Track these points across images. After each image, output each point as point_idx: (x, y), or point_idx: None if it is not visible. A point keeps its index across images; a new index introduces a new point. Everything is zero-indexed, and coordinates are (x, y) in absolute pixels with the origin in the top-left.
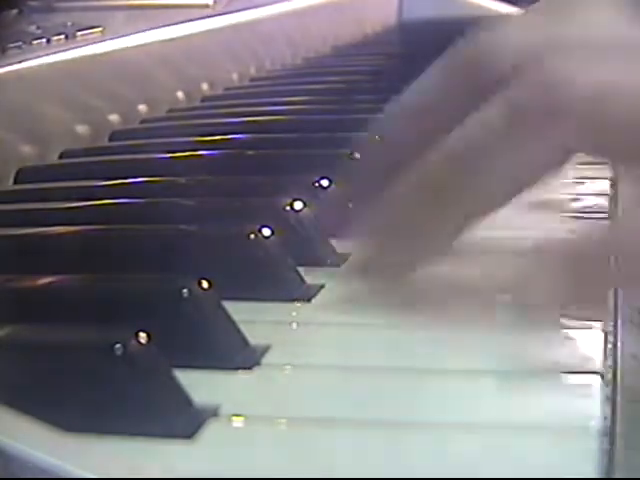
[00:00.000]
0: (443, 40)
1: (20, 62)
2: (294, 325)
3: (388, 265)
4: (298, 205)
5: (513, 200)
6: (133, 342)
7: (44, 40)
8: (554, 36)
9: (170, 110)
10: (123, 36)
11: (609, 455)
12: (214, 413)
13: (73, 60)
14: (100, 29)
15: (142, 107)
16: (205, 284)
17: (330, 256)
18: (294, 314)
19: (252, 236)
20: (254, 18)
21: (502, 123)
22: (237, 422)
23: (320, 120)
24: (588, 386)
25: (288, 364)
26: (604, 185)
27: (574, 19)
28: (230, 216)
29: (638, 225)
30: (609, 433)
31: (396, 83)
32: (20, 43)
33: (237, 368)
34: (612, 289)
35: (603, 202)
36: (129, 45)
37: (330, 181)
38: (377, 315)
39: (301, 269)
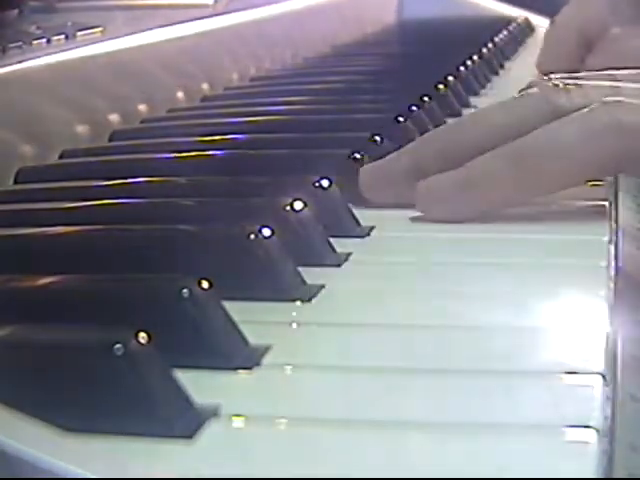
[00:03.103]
0: (443, 40)
1: (20, 62)
2: (294, 325)
3: None
4: (298, 205)
5: None
6: (133, 342)
7: (44, 40)
8: None
9: (170, 110)
10: (123, 36)
11: (609, 455)
12: (214, 413)
13: (73, 60)
14: (100, 29)
15: (142, 107)
16: (205, 284)
17: (330, 256)
18: (294, 314)
19: (252, 236)
20: (254, 18)
21: None
22: (237, 422)
23: (320, 120)
24: (589, 386)
25: (288, 364)
26: None
27: None
28: (230, 216)
29: None
30: (609, 433)
31: (396, 83)
32: (20, 43)
33: (237, 368)
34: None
35: None
36: (129, 45)
37: (330, 181)
38: (377, 315)
39: (301, 269)
